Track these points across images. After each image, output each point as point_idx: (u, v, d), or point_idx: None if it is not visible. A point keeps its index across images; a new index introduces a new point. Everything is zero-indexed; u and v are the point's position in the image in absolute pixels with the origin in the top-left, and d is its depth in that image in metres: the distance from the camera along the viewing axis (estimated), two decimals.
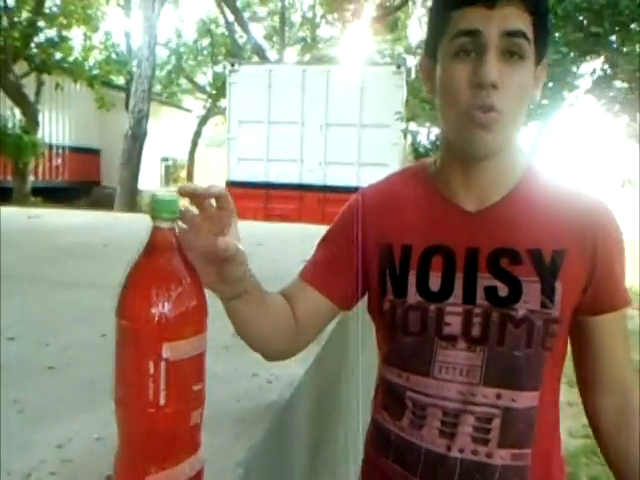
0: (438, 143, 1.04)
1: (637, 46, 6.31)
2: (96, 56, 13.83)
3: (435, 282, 0.89)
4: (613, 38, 6.47)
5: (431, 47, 0.89)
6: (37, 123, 12.05)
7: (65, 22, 12.72)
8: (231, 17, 16.14)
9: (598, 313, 0.90)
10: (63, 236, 3.13)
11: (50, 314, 1.60)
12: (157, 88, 16.63)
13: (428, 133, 8.43)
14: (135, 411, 0.60)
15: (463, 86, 0.81)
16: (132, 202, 10.69)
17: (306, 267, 0.99)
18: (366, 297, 1.00)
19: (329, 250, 0.99)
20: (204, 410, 0.65)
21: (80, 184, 14.94)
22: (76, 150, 15.05)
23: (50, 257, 2.48)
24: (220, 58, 18.65)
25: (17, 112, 11.92)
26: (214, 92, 18.80)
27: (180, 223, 0.70)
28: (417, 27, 15.25)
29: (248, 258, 0.77)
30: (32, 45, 12.20)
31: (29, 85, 12.17)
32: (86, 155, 15.42)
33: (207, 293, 0.65)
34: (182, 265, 0.61)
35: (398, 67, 8.70)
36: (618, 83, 6.82)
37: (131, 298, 0.60)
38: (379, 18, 15.37)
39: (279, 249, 2.72)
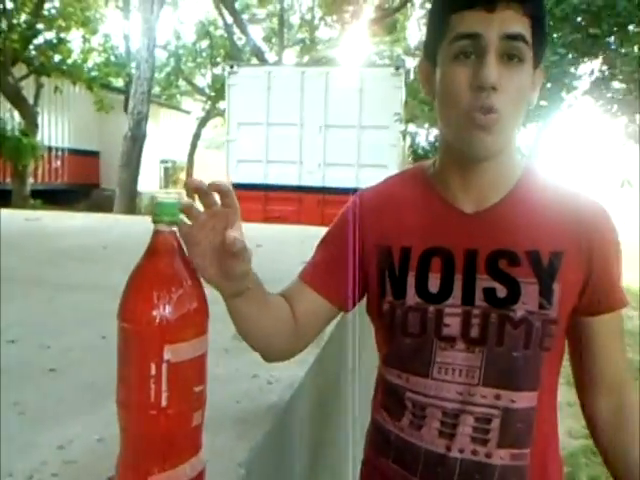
0: (437, 144, 1.04)
1: (635, 47, 6.33)
2: (95, 58, 13.83)
3: (434, 283, 0.90)
4: (611, 39, 6.48)
5: (430, 50, 0.89)
6: (36, 125, 12.05)
7: (64, 24, 12.73)
8: (230, 19, 16.15)
9: (595, 314, 0.91)
10: (63, 238, 3.13)
11: (51, 316, 1.60)
12: (156, 90, 16.64)
13: (427, 134, 8.43)
14: (137, 412, 0.61)
15: (463, 88, 0.82)
16: (131, 204, 10.69)
17: (305, 269, 0.99)
18: (365, 298, 1.01)
19: (328, 252, 0.99)
20: (205, 411, 0.65)
21: (79, 186, 14.94)
22: (75, 152, 15.06)
23: (50, 260, 2.49)
24: (219, 60, 18.66)
25: (16, 115, 11.93)
26: (213, 94, 18.81)
27: (185, 219, 0.71)
28: (416, 29, 15.31)
29: None
30: (31, 47, 12.21)
31: (28, 88, 12.18)
32: (85, 157, 15.43)
33: (208, 296, 0.66)
34: (183, 268, 0.62)
35: (397, 69, 8.71)
36: (616, 84, 6.83)
37: (133, 301, 0.60)
38: (378, 20, 15.40)
39: (278, 251, 2.72)
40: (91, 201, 14.14)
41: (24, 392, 1.04)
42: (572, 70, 6.63)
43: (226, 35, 17.41)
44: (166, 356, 0.59)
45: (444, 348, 0.89)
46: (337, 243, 0.99)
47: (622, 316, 0.94)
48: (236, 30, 16.54)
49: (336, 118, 8.61)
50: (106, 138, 15.21)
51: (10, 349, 1.28)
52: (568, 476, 3.19)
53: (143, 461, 0.62)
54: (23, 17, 12.30)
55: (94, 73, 13.24)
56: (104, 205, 12.04)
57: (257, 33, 18.55)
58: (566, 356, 0.96)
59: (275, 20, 18.70)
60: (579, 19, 6.32)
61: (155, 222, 0.62)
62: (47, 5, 12.66)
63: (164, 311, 0.59)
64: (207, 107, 20.03)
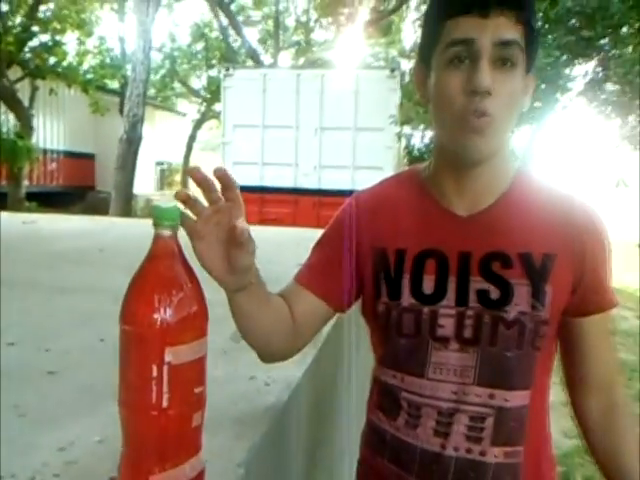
0: (432, 146, 1.06)
1: (629, 49, 6.37)
2: (90, 61, 13.80)
3: (429, 285, 0.91)
4: (605, 41, 6.52)
5: (425, 55, 0.91)
6: (31, 128, 12.02)
7: (59, 27, 12.70)
8: (225, 21, 16.16)
9: (586, 314, 0.93)
10: (59, 241, 3.13)
11: (49, 319, 1.61)
12: (151, 92, 16.62)
13: (422, 136, 8.45)
14: (138, 413, 0.62)
15: (457, 92, 0.84)
16: (127, 207, 10.66)
17: (301, 270, 1.00)
18: (360, 300, 1.02)
19: (324, 253, 1.01)
20: (205, 412, 0.66)
21: (75, 189, 14.91)
22: (71, 155, 15.02)
23: (47, 262, 2.49)
24: (214, 62, 18.67)
25: (11, 117, 11.90)
26: (209, 96, 18.81)
27: (190, 213, 0.72)
28: (411, 31, 15.32)
29: None
30: (26, 50, 12.18)
31: (23, 90, 12.14)
32: (81, 160, 15.39)
33: (207, 299, 0.67)
34: (183, 271, 0.63)
35: (392, 71, 8.73)
36: (610, 86, 6.87)
37: (134, 304, 0.62)
38: (373, 22, 15.41)
39: (274, 253, 2.73)
40: (86, 204, 14.11)
41: (24, 395, 1.04)
42: (566, 72, 6.66)
43: (221, 37, 17.42)
44: (167, 358, 0.60)
45: (438, 348, 0.91)
46: (333, 245, 1.00)
47: (612, 316, 0.96)
48: (231, 32, 16.56)
49: (331, 120, 8.62)
50: (101, 140, 15.17)
51: (9, 352, 1.28)
52: (563, 476, 3.21)
53: (144, 461, 0.63)
54: (18, 19, 12.27)
55: (89, 75, 13.21)
56: (99, 207, 12.01)
57: (252, 35, 18.55)
58: (558, 356, 0.98)
59: (270, 22, 18.70)
60: (573, 21, 6.36)
61: (155, 226, 0.63)
62: (42, 7, 12.63)
63: (165, 314, 0.60)
64: (202, 109, 20.04)
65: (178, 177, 19.71)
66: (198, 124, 20.12)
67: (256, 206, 8.49)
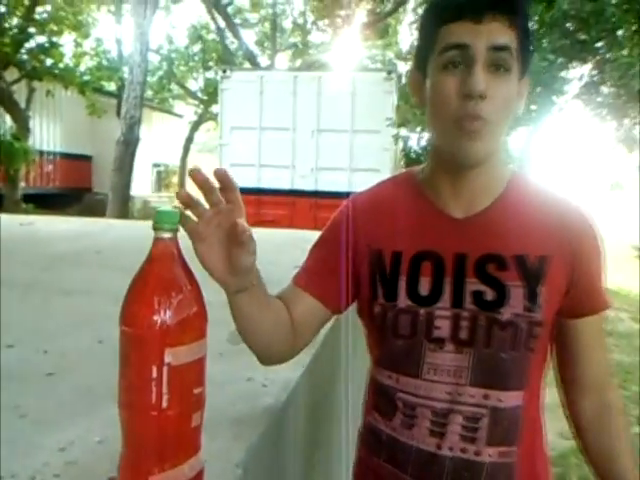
0: (429, 148, 1.07)
1: (624, 52, 6.40)
2: (87, 62, 13.82)
3: (425, 287, 0.92)
4: (600, 45, 6.55)
5: (421, 61, 0.92)
6: (28, 130, 12.02)
7: (56, 28, 12.71)
8: (222, 23, 16.18)
9: (579, 316, 0.94)
10: (56, 243, 3.13)
11: (47, 321, 1.61)
12: (148, 94, 16.61)
13: (419, 138, 8.49)
14: (138, 414, 0.63)
15: (452, 96, 0.85)
16: (124, 208, 10.66)
17: (299, 272, 1.01)
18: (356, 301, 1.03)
19: (321, 255, 1.02)
20: (204, 413, 0.67)
21: (72, 190, 14.90)
22: (67, 156, 15.01)
23: (44, 264, 2.49)
24: (211, 64, 18.67)
25: (8, 119, 11.89)
26: (206, 98, 18.82)
27: (192, 215, 0.73)
28: (408, 33, 15.36)
29: None
30: (23, 51, 12.17)
31: (20, 92, 12.14)
32: (77, 161, 15.38)
33: (206, 301, 0.68)
34: (183, 274, 0.64)
35: (389, 73, 8.76)
36: (605, 89, 6.90)
37: (134, 306, 0.62)
38: (370, 24, 15.45)
39: (271, 255, 2.74)
40: (83, 205, 14.10)
41: (24, 395, 1.05)
42: (562, 75, 6.69)
43: (218, 39, 17.43)
44: (167, 359, 0.61)
45: (434, 349, 0.92)
46: (330, 247, 1.01)
47: (605, 318, 0.97)
48: (228, 34, 16.58)
49: (328, 122, 8.64)
50: (98, 142, 15.17)
51: (9, 354, 1.29)
52: (559, 477, 3.22)
53: (144, 461, 0.64)
54: (15, 21, 12.27)
55: (86, 77, 13.23)
56: (96, 209, 12.01)
57: (249, 37, 18.59)
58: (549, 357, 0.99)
59: (267, 24, 18.74)
60: (568, 25, 6.39)
61: (155, 230, 0.64)
62: (39, 9, 12.63)
63: (165, 316, 0.61)
64: (200, 111, 20.04)
65: (175, 179, 19.70)
66: (195, 126, 20.12)
67: (253, 208, 8.48)
